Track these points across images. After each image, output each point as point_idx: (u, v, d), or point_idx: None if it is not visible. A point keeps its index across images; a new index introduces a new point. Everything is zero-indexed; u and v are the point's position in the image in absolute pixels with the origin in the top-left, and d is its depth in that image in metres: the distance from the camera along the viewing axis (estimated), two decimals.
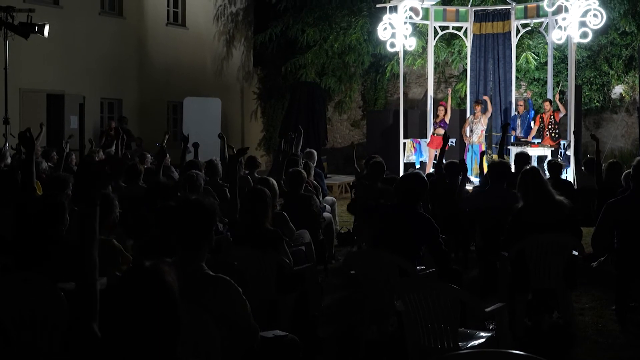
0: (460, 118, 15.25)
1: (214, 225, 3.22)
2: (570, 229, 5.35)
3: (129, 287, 2.14)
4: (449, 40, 16.84)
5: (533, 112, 14.03)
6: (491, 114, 14.33)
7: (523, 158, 8.38)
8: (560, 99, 14.20)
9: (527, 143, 13.28)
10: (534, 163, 13.11)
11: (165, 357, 2.12)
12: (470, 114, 14.14)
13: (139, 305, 2.09)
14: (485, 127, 13.82)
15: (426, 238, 5.16)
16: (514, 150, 12.39)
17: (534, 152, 13.02)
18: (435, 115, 14.32)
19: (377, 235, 5.35)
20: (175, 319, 2.14)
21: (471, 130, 14.06)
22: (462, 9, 15.06)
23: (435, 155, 14.13)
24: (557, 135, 13.30)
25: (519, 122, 13.87)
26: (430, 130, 14.70)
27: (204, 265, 3.16)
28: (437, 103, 14.83)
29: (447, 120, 14.15)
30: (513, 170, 8.70)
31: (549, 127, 13.31)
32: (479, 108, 13.85)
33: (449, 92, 15.24)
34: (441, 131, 14.08)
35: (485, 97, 14.17)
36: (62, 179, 6.28)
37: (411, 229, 5.14)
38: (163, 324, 2.11)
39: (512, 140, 13.88)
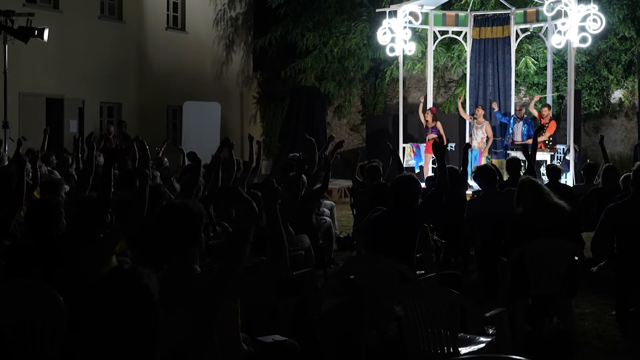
0: (460, 123, 15.24)
1: (201, 227, 3.21)
2: (571, 235, 5.33)
3: (108, 289, 2.17)
4: (448, 44, 16.85)
5: (531, 121, 13.97)
6: (490, 119, 14.37)
7: (515, 163, 8.37)
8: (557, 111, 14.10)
9: (525, 148, 13.23)
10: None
11: (143, 358, 2.13)
12: (472, 119, 14.09)
13: (116, 306, 2.13)
14: (486, 135, 13.81)
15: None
16: (513, 154, 12.38)
17: (529, 156, 12.95)
18: (426, 120, 14.31)
19: (376, 240, 5.35)
20: (152, 321, 2.16)
21: (470, 135, 14.05)
22: (461, 13, 15.08)
23: (433, 160, 14.14)
24: (551, 144, 13.25)
25: (517, 127, 13.85)
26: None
27: (196, 267, 3.16)
28: (436, 108, 14.81)
29: (438, 126, 14.09)
30: (506, 175, 8.72)
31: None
32: (480, 113, 13.83)
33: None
34: (433, 136, 14.06)
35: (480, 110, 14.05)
36: (54, 182, 6.27)
37: (407, 233, 5.14)
38: (140, 326, 2.13)
39: (509, 145, 13.88)
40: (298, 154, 10.24)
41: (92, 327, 2.15)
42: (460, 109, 14.62)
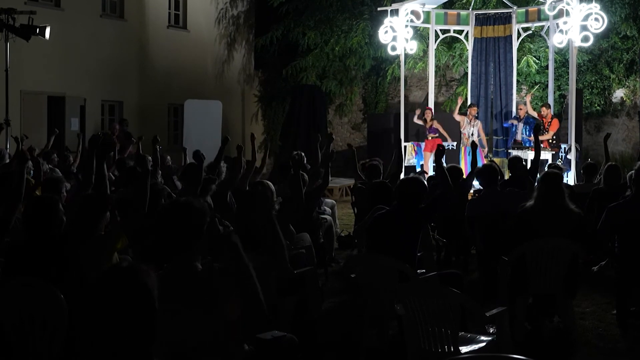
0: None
1: (204, 225, 3.21)
2: (578, 238, 5.31)
3: (106, 286, 2.17)
4: (450, 43, 16.84)
5: (533, 120, 13.95)
6: (491, 118, 14.36)
7: (517, 161, 8.35)
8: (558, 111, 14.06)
9: (527, 147, 13.24)
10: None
11: (138, 357, 2.14)
12: (472, 117, 14.07)
13: (114, 303, 2.13)
14: (478, 136, 13.80)
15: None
16: (514, 153, 12.37)
17: (534, 156, 12.94)
18: (424, 120, 14.27)
19: (377, 239, 5.35)
20: (150, 319, 2.17)
21: (465, 133, 14.00)
22: (463, 12, 15.07)
23: (433, 160, 14.12)
24: (555, 142, 13.23)
25: (519, 126, 13.82)
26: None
27: (198, 265, 3.15)
28: (437, 107, 14.78)
29: (436, 125, 14.06)
30: (508, 174, 8.69)
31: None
32: (474, 112, 13.82)
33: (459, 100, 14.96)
34: (434, 136, 14.03)
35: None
36: (55, 180, 6.26)
37: (410, 233, 5.14)
38: (137, 323, 2.14)
39: (509, 145, 13.85)
40: (300, 152, 10.24)
41: (89, 325, 2.15)
42: (456, 111, 14.45)
